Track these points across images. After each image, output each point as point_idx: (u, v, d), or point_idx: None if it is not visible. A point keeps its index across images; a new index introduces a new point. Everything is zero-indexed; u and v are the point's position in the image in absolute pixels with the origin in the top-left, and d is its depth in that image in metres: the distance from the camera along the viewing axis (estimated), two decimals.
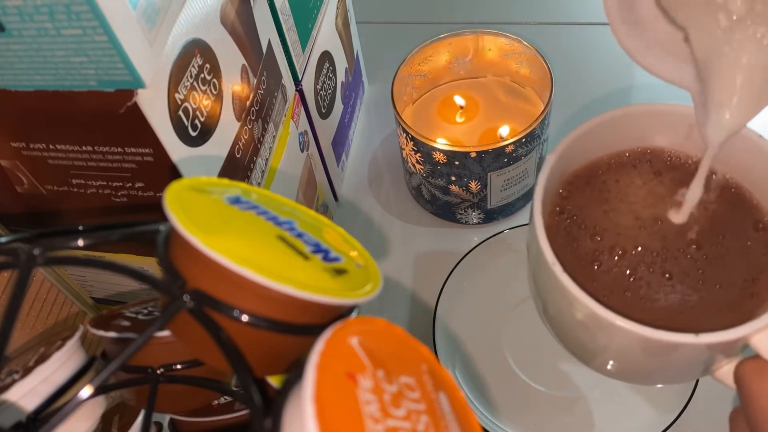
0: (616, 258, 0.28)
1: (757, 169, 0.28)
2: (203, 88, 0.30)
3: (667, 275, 0.27)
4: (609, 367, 0.30)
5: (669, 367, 0.27)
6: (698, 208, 0.28)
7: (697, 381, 0.41)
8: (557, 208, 0.29)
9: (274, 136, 0.40)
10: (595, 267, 0.28)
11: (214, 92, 0.31)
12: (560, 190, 0.29)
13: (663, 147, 0.30)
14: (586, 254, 0.28)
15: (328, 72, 0.51)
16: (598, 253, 0.28)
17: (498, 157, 0.46)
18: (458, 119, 0.53)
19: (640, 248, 0.28)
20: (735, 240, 0.27)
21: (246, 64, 0.35)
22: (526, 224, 0.49)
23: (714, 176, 0.29)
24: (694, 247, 0.28)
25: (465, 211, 0.51)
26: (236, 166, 0.35)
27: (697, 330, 0.23)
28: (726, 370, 0.27)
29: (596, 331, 0.25)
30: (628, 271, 0.27)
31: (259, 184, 0.38)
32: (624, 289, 0.27)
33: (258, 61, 0.37)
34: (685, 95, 0.28)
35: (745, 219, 0.28)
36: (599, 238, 0.28)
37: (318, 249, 0.23)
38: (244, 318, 0.20)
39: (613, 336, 0.25)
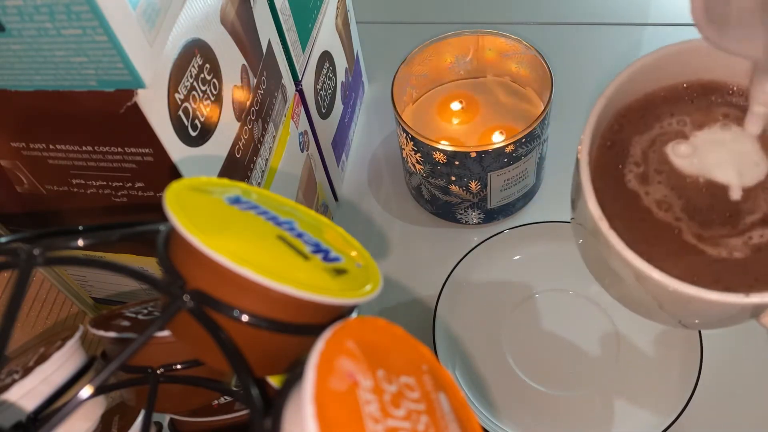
0: (667, 195, 0.27)
1: None
2: (203, 88, 0.30)
3: (717, 215, 0.26)
4: (657, 310, 0.28)
5: (714, 318, 0.27)
6: (761, 149, 0.27)
7: (697, 381, 0.41)
8: (608, 143, 0.28)
9: (274, 136, 0.40)
10: (644, 204, 0.26)
11: (214, 92, 0.31)
12: (612, 125, 0.28)
13: (725, 81, 0.28)
14: (635, 190, 0.27)
15: (328, 72, 0.51)
16: (648, 189, 0.27)
17: (498, 157, 0.46)
18: (458, 119, 0.53)
19: (694, 185, 0.27)
20: None
21: (246, 64, 0.35)
22: (527, 224, 0.50)
23: None
24: (754, 182, 0.26)
25: (465, 211, 0.51)
26: (236, 166, 0.35)
27: (746, 291, 0.23)
28: None
29: (642, 285, 0.25)
30: (679, 210, 0.26)
31: (259, 184, 0.38)
32: (673, 229, 0.26)
33: (258, 61, 0.37)
34: None
35: None
36: (650, 174, 0.27)
37: (318, 249, 0.23)
38: (244, 318, 0.20)
39: (660, 292, 0.24)
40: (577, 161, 0.26)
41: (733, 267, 0.25)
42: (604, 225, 0.24)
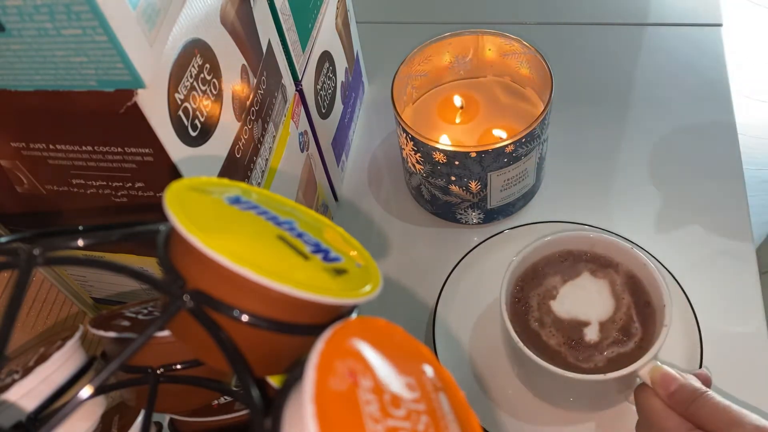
0: (554, 333, 0.40)
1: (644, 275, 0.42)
2: (203, 88, 0.30)
3: (588, 339, 0.40)
4: (558, 399, 0.43)
5: (596, 396, 0.42)
6: (609, 292, 0.41)
7: None
8: (516, 299, 0.42)
9: (274, 136, 0.40)
10: (543, 339, 0.40)
11: (214, 92, 0.31)
12: (515, 286, 0.42)
13: (583, 249, 0.43)
14: (536, 330, 0.40)
15: (328, 72, 0.51)
16: (543, 329, 0.40)
17: (498, 157, 0.46)
18: (458, 119, 0.53)
19: (569, 324, 0.40)
20: (633, 311, 0.40)
21: (246, 64, 0.35)
22: (527, 224, 0.50)
23: (619, 266, 0.42)
24: (605, 318, 0.40)
25: (465, 211, 0.51)
26: (236, 166, 0.35)
27: (605, 373, 0.37)
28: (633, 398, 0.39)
29: (546, 376, 0.38)
30: (562, 343, 0.40)
31: (259, 184, 0.39)
32: (561, 354, 0.39)
33: (258, 61, 0.37)
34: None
35: (639, 298, 0.41)
36: (544, 319, 0.41)
37: (318, 249, 0.23)
38: (244, 318, 0.20)
39: (558, 379, 0.38)
40: (501, 312, 0.40)
41: (597, 371, 0.38)
42: (520, 344, 0.39)
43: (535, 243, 0.42)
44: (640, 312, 0.40)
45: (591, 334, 0.40)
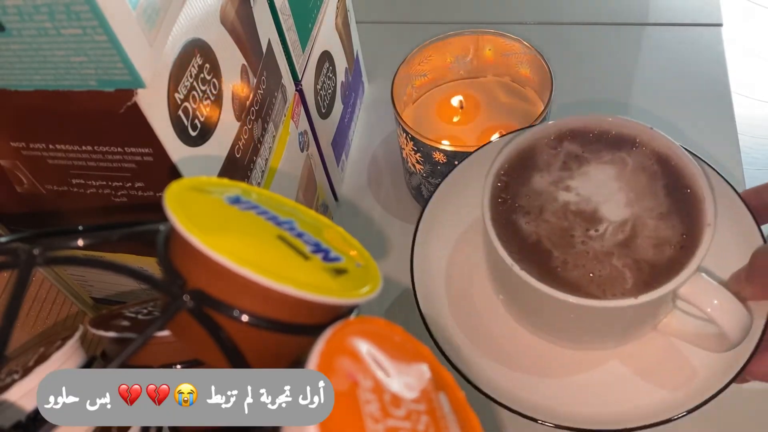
0: (556, 236, 0.30)
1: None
2: (203, 88, 0.30)
3: (602, 247, 0.29)
4: (572, 334, 0.33)
5: (617, 327, 0.31)
6: (628, 182, 0.30)
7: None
8: (499, 199, 0.32)
9: (273, 136, 0.40)
10: (534, 240, 0.30)
11: (214, 92, 0.31)
12: (498, 183, 0.32)
13: (578, 126, 0.33)
14: (528, 233, 0.30)
15: (328, 72, 0.51)
16: (539, 235, 0.30)
17: None
18: (458, 119, 0.53)
19: (568, 221, 0.30)
20: (663, 207, 0.30)
21: (246, 63, 0.35)
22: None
23: (636, 147, 0.32)
24: (626, 216, 0.30)
25: None
26: (236, 166, 0.35)
27: (635, 295, 0.27)
28: (665, 322, 0.30)
29: (555, 307, 0.28)
30: (566, 243, 0.29)
31: (258, 184, 0.38)
32: (568, 262, 0.29)
33: (258, 61, 0.37)
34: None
35: (671, 190, 0.30)
36: (537, 220, 0.31)
37: (318, 249, 0.23)
38: (244, 318, 0.20)
39: (572, 311, 0.28)
40: (483, 220, 0.31)
41: (619, 295, 0.28)
42: (510, 261, 0.29)
43: (525, 130, 0.32)
44: (672, 208, 0.29)
45: (607, 239, 0.29)
